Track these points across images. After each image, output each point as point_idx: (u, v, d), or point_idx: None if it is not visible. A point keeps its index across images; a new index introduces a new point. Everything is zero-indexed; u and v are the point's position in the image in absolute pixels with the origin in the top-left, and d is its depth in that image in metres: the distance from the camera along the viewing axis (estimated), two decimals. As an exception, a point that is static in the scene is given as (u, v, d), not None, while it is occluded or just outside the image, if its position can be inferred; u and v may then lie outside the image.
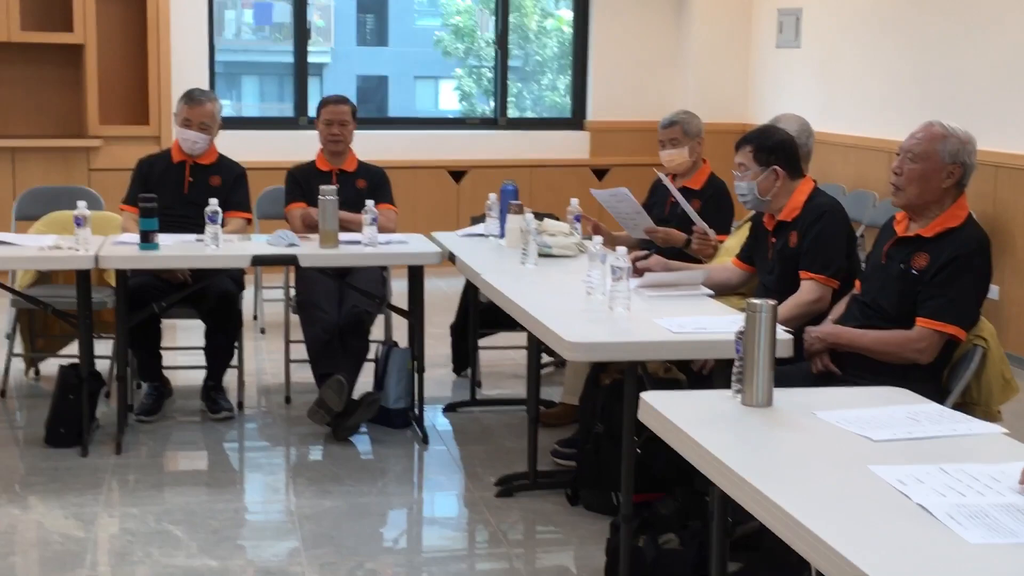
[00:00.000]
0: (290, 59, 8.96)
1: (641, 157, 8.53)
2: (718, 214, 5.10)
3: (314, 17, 19.48)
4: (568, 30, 9.72)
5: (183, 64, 8.19)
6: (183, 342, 6.15)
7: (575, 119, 9.33)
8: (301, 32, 8.98)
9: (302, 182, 5.50)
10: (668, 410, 2.73)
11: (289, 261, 4.86)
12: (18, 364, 5.74)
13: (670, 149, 5.22)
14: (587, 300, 3.94)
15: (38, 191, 6.16)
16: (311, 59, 9.16)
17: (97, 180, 7.63)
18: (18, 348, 5.64)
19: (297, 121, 8.71)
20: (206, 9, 8.55)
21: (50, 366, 5.58)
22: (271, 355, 6.27)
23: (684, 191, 5.12)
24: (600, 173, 8.97)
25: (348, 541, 3.96)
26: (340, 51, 20.57)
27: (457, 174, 8.84)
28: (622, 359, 3.52)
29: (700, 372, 3.96)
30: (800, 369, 3.74)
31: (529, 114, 15.58)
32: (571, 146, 9.17)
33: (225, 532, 4.01)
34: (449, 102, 19.90)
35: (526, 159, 8.93)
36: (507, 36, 9.24)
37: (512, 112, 9.65)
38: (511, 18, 9.39)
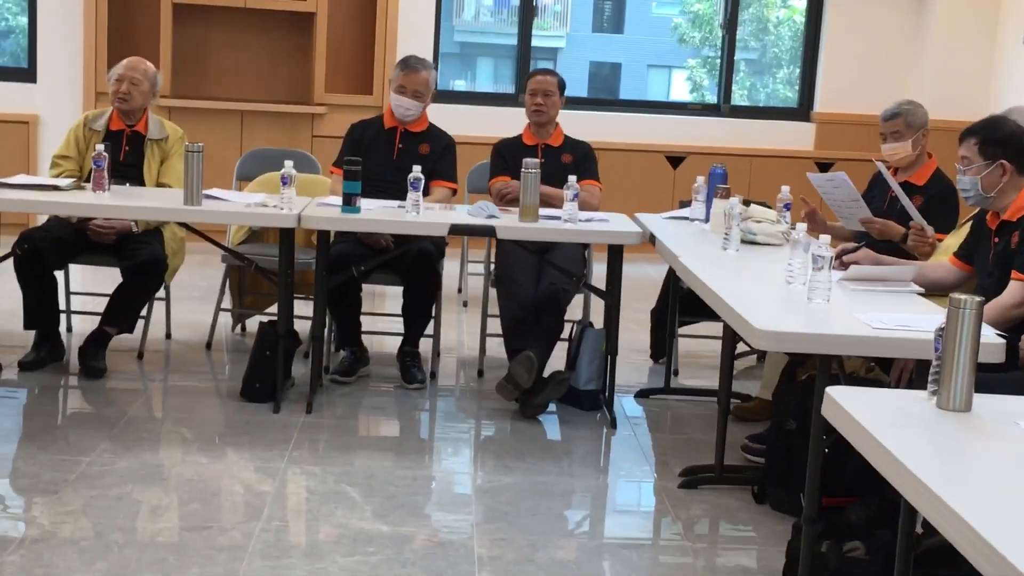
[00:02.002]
0: (529, 43, 8.99)
1: (869, 152, 8.16)
2: (941, 213, 4.79)
3: (544, 1, 19.51)
4: (800, 19, 9.41)
5: (409, 37, 8.29)
6: (381, 309, 6.20)
7: (801, 110, 9.03)
8: (528, 12, 8.95)
9: (507, 156, 5.45)
10: (854, 407, 2.53)
11: (487, 232, 4.81)
12: (226, 319, 5.89)
13: (891, 143, 4.95)
14: (786, 289, 3.75)
15: (259, 152, 6.29)
16: (545, 43, 9.23)
17: (319, 146, 7.79)
18: (227, 304, 5.79)
19: (516, 99, 8.70)
20: (436, -17, 8.60)
21: (256, 323, 5.69)
22: (471, 328, 6.26)
23: (906, 187, 4.83)
24: (824, 167, 8.63)
25: (523, 519, 3.88)
26: (575, 37, 20.55)
27: (676, 159, 8.66)
28: (812, 351, 3.32)
29: (897, 383, 3.72)
30: (1014, 378, 3.46)
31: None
32: (796, 137, 8.88)
33: (401, 499, 3.98)
34: (680, 92, 19.64)
35: (748, 148, 8.69)
36: (736, 21, 9.00)
37: (743, 104, 9.43)
38: (751, 9, 9.16)
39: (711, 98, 14.11)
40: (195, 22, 8.15)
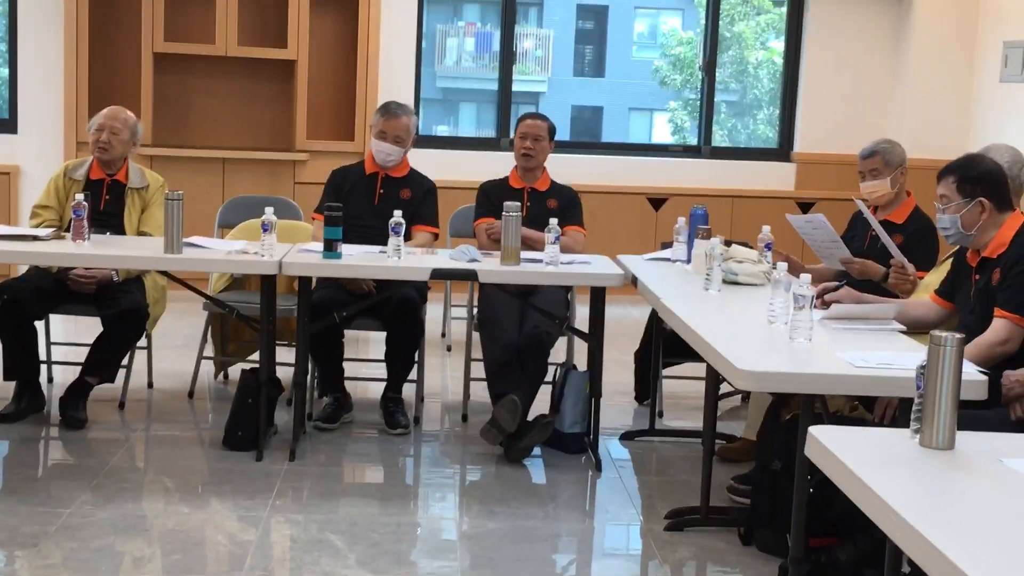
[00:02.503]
0: (511, 87, 9.03)
1: (850, 191, 8.19)
2: (921, 251, 4.79)
3: (526, 46, 19.60)
4: (779, 61, 9.47)
5: (390, 83, 8.30)
6: (364, 355, 6.18)
7: (782, 150, 9.07)
8: (508, 57, 9.00)
9: (492, 197, 5.46)
10: (837, 446, 2.53)
11: (469, 276, 4.81)
12: (208, 367, 5.86)
13: (870, 180, 4.97)
14: (768, 329, 3.75)
15: (241, 200, 6.28)
16: (527, 87, 9.25)
17: (301, 193, 7.79)
18: (209, 352, 5.76)
19: (498, 142, 8.72)
20: (414, 30, 8.63)
21: (239, 371, 5.66)
22: (455, 373, 6.23)
23: (886, 225, 4.85)
24: (806, 206, 8.66)
25: (508, 565, 3.85)
26: (556, 81, 20.65)
27: (658, 201, 8.68)
28: (794, 390, 3.32)
29: (881, 421, 3.71)
30: (997, 415, 3.46)
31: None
32: (777, 177, 8.92)
33: (385, 546, 3.95)
34: (662, 134, 19.74)
35: (729, 188, 8.72)
36: (715, 63, 9.05)
37: (724, 145, 9.47)
38: (731, 52, 9.23)
39: (693, 140, 14.19)
40: (176, 71, 8.16)
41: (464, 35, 20.64)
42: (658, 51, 19.60)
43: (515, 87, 9.04)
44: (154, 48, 7.94)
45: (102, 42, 8.05)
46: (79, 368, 5.18)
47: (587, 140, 20.53)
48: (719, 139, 9.11)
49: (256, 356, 5.58)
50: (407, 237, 5.03)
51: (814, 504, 3.39)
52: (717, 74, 9.07)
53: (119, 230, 5.26)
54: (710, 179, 8.79)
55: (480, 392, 5.40)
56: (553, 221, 4.85)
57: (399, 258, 4.74)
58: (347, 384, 5.36)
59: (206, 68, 8.22)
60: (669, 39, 18.87)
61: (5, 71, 8.57)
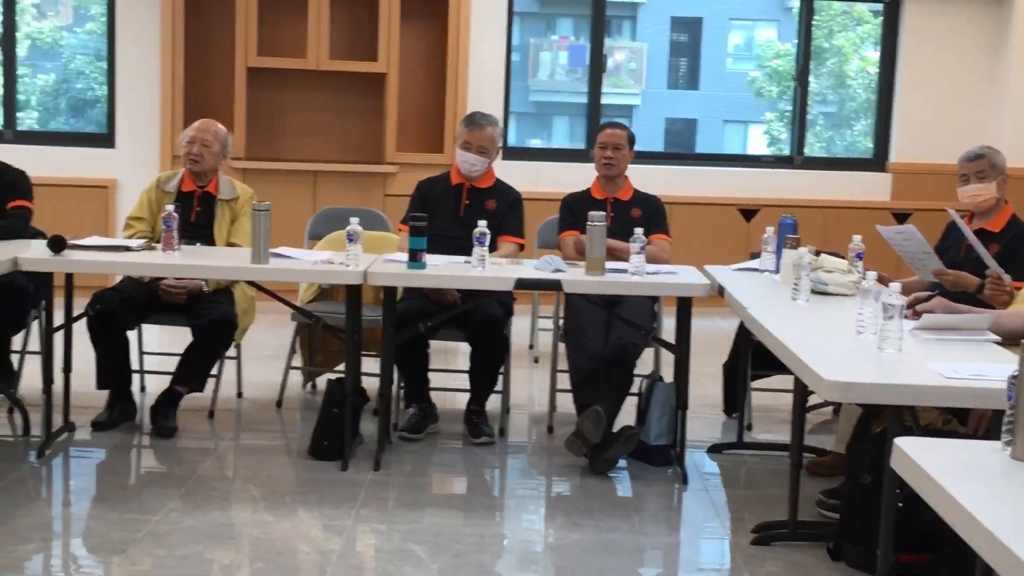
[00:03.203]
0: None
1: (946, 202, 8.03)
2: (1018, 260, 4.65)
3: (618, 59, 19.53)
4: (875, 71, 9.32)
5: (480, 96, 8.32)
6: (449, 366, 6.18)
7: (877, 160, 8.91)
8: (597, 70, 8.97)
9: (576, 210, 5.42)
10: (924, 459, 2.44)
11: (553, 286, 4.78)
12: (297, 377, 5.91)
13: (975, 184, 4.83)
14: (857, 340, 3.66)
15: (331, 211, 6.33)
16: (620, 100, 9.20)
17: (391, 204, 7.83)
18: (298, 362, 5.81)
19: (587, 154, 8.68)
20: (504, 43, 8.65)
21: (326, 381, 5.70)
22: (541, 384, 6.21)
23: (981, 234, 4.71)
24: (901, 217, 8.50)
25: (591, 577, 3.81)
26: (650, 93, 20.58)
27: (749, 212, 8.58)
28: (881, 401, 3.23)
29: (974, 433, 3.60)
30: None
31: (839, 159, 15.09)
32: (872, 188, 8.77)
33: (468, 556, 3.93)
34: (758, 146, 19.57)
35: (822, 199, 8.58)
36: (808, 72, 8.92)
37: (818, 156, 9.35)
38: (830, 63, 9.11)
39: (788, 151, 14.02)
40: (269, 85, 8.27)
41: (557, 49, 20.67)
42: (754, 63, 19.45)
43: (608, 100, 9.03)
44: (247, 63, 8.06)
45: (197, 58, 8.20)
46: (170, 377, 5.26)
47: (681, 151, 20.44)
48: (816, 151, 8.98)
49: (343, 366, 5.61)
50: (492, 248, 5.02)
51: (903, 519, 3.30)
52: (815, 85, 8.98)
53: (209, 241, 5.32)
54: (803, 189, 8.67)
55: (567, 403, 5.36)
56: (638, 231, 4.80)
57: (483, 268, 4.73)
58: (432, 394, 5.37)
59: (298, 82, 8.32)
60: (766, 51, 18.70)
61: (104, 90, 8.76)
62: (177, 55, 8.03)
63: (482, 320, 5.08)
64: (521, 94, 18.95)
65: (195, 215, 5.37)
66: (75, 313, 5.02)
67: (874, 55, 10.05)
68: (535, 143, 19.52)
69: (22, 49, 9.91)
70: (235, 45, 8.05)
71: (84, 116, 12.88)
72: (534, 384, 6.35)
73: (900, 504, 3.25)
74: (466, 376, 5.39)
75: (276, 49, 8.21)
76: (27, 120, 10.79)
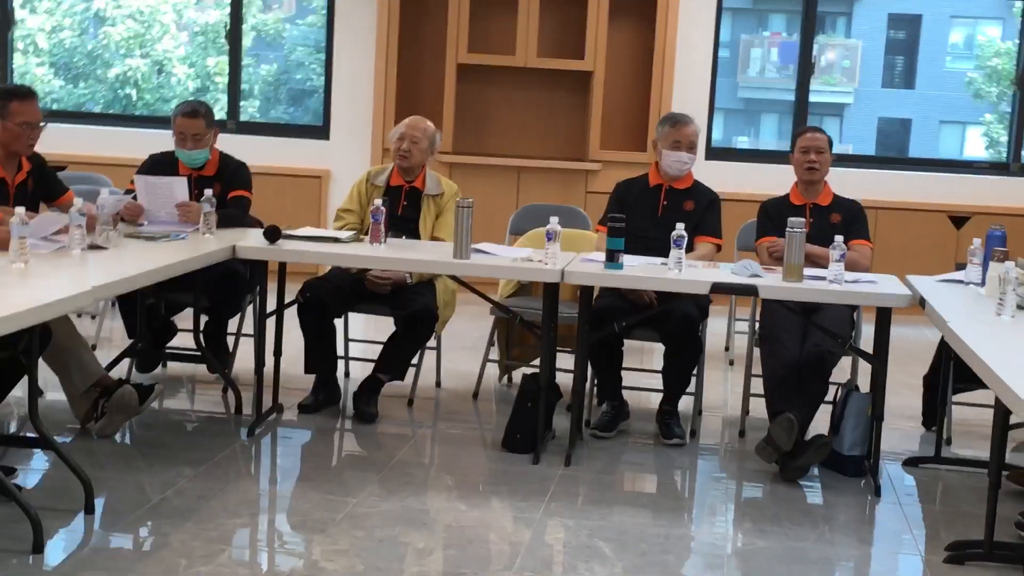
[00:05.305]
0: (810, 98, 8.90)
1: None
2: None
3: (830, 56, 19.14)
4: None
5: (686, 94, 8.33)
6: (648, 365, 6.22)
7: (1099, 168, 8.54)
8: (805, 67, 8.86)
9: (774, 216, 5.39)
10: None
11: (749, 291, 4.77)
12: (493, 370, 6.04)
13: None
14: (1061, 359, 3.56)
15: (532, 208, 6.46)
16: (831, 99, 9.07)
17: (592, 202, 7.91)
18: (495, 355, 5.94)
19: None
20: (711, 41, 8.62)
21: (522, 376, 5.82)
22: (735, 387, 6.19)
23: None
24: (1122, 230, 8.12)
25: (775, 584, 3.81)
26: (863, 92, 20.11)
27: (960, 220, 8.34)
28: (1083, 426, 3.14)
29: None
30: None
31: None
32: (1091, 197, 8.40)
33: (652, 556, 3.98)
34: (975, 148, 18.91)
35: (1038, 208, 8.28)
36: (1030, 75, 8.61)
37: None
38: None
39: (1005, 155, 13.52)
40: (477, 81, 8.46)
41: (768, 45, 20.40)
42: (973, 62, 18.80)
43: (819, 98, 8.93)
44: (458, 59, 8.25)
45: (410, 54, 8.44)
46: (372, 365, 5.45)
47: (895, 153, 19.93)
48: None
49: (539, 361, 5.72)
50: (690, 248, 5.04)
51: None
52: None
53: (415, 235, 5.50)
54: (1018, 197, 8.37)
55: (760, 408, 5.34)
56: (838, 238, 4.75)
57: (680, 271, 4.76)
58: (625, 393, 5.42)
59: (506, 78, 8.48)
60: (985, 49, 18.05)
61: (322, 81, 9.10)
62: (391, 50, 8.29)
63: (677, 321, 5.10)
64: (729, 90, 18.75)
65: (402, 209, 5.55)
66: (286, 300, 5.26)
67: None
68: (742, 139, 19.31)
69: (247, 40, 10.38)
70: (447, 42, 8.26)
71: (302, 106, 13.40)
72: (728, 387, 6.34)
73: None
74: (658, 376, 5.43)
75: (485, 46, 8.38)
76: (248, 109, 11.31)
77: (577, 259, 5.00)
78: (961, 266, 5.23)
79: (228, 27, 9.14)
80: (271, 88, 13.68)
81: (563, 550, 4.03)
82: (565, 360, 5.43)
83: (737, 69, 19.74)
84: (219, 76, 12.43)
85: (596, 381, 5.42)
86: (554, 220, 4.83)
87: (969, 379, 5.04)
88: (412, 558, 3.89)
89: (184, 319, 5.88)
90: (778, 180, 7.74)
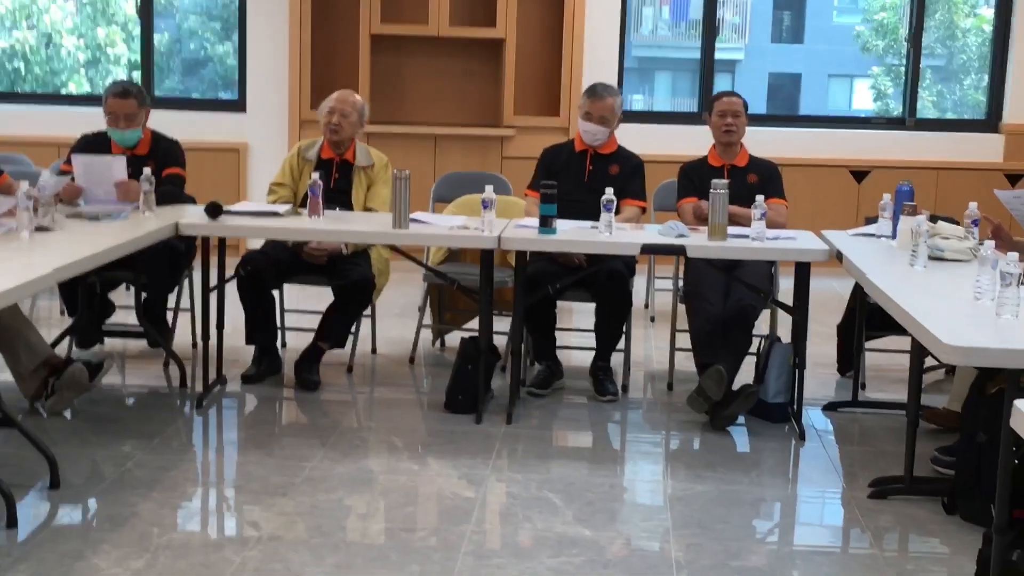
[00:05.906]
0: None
1: (1061, 163, 8.09)
2: None
3: (727, 14, 19.53)
4: (989, 29, 9.32)
5: (595, 59, 8.53)
6: (577, 325, 6.45)
7: (990, 121, 8.95)
8: (710, 28, 9.12)
9: (694, 178, 5.64)
10: (1042, 420, 2.66)
11: (678, 251, 5.02)
12: (426, 335, 6.22)
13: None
14: (974, 305, 3.85)
15: (454, 175, 6.63)
16: (723, 55, 9.30)
17: (508, 167, 8.11)
18: (427, 320, 6.12)
19: (700, 117, 8.85)
20: (619, 5, 8.82)
21: (454, 338, 6.01)
22: (659, 343, 6.45)
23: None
24: (1015, 179, 8.56)
25: (716, 525, 4.06)
26: (753, 48, 20.53)
27: (860, 174, 8.70)
28: (1001, 365, 3.42)
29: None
30: None
31: (950, 115, 14.96)
32: (984, 149, 8.80)
33: (600, 505, 4.21)
34: (863, 101, 19.43)
35: (934, 161, 8.66)
36: (921, 33, 8.97)
37: (930, 112, 9.37)
38: (939, 15, 9.10)
39: (895, 107, 13.96)
40: (391, 51, 8.57)
41: (660, 3, 20.69)
42: (859, 16, 19.28)
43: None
44: (371, 30, 8.35)
45: (323, 26, 8.51)
46: (311, 334, 5.60)
47: (785, 108, 20.39)
48: (926, 105, 9.01)
49: (471, 324, 5.92)
50: (616, 211, 5.26)
51: (1019, 475, 3.49)
52: (923, 39, 8.97)
53: (347, 206, 5.64)
54: (914, 151, 8.74)
55: (683, 362, 5.61)
56: (760, 198, 5.01)
57: (611, 233, 4.98)
58: (558, 352, 5.64)
59: (419, 48, 8.60)
60: (872, 3, 18.54)
61: (220, 48, 9.08)
62: (305, 23, 8.35)
63: (607, 276, 5.32)
64: (625, 50, 19.01)
65: (334, 181, 5.68)
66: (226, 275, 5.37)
67: (987, 12, 10.01)
68: (637, 99, 19.62)
69: (131, 9, 10.14)
70: (360, 12, 8.34)
71: (196, 75, 13.28)
72: (651, 343, 6.60)
73: (1016, 462, 3.45)
74: (588, 335, 5.66)
75: (398, 16, 8.48)
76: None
77: (511, 225, 5.19)
78: (871, 220, 5.53)
79: (139, 2, 9.08)
80: (163, 58, 13.55)
81: (514, 503, 4.23)
82: (498, 323, 5.63)
83: (631, 28, 20.01)
84: (110, 47, 12.31)
85: (531, 342, 5.62)
86: (489, 189, 5.01)
87: (880, 327, 5.38)
88: (371, 517, 4.07)
89: (119, 295, 5.96)
90: (684, 142, 8.02)
